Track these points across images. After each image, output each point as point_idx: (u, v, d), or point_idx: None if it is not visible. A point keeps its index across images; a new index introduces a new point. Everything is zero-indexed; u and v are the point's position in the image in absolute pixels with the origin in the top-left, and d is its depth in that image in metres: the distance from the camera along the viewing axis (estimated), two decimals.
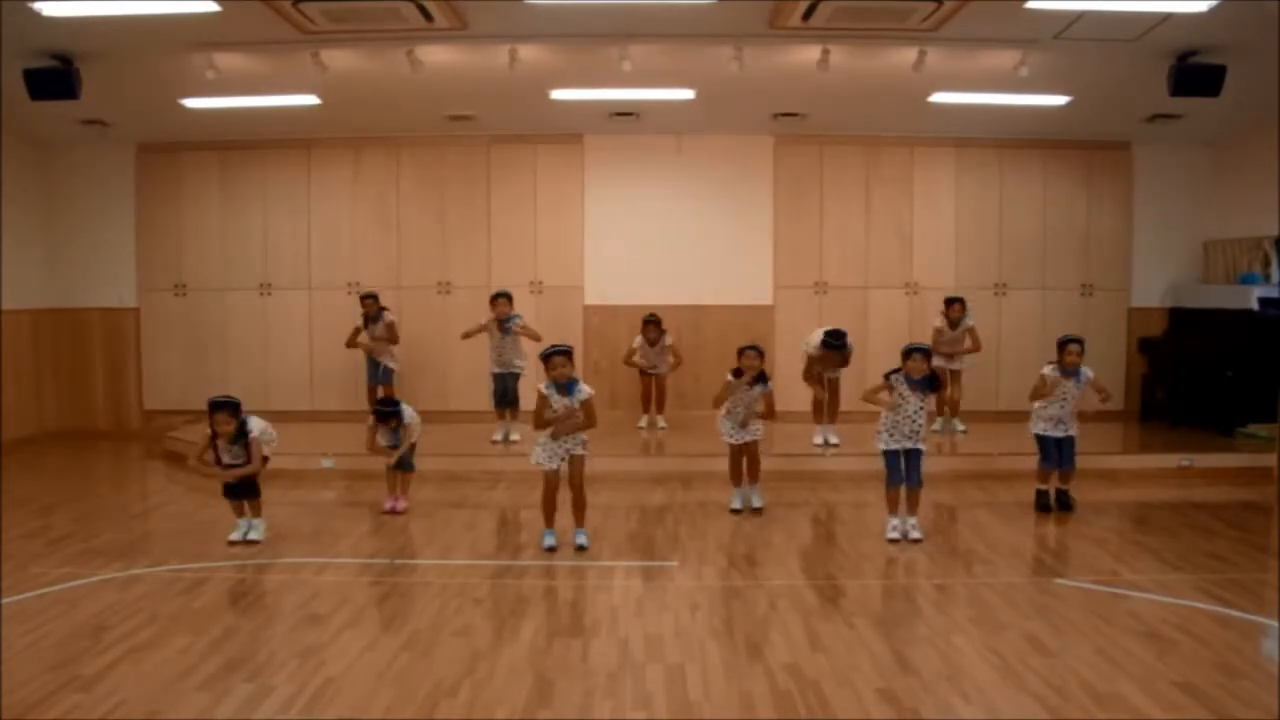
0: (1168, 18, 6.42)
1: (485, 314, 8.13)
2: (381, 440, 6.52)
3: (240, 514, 5.84)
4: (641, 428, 8.98)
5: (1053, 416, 6.44)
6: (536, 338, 8.05)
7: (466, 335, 8.25)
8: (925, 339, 8.20)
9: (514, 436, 8.26)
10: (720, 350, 9.57)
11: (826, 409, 8.03)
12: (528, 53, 7.24)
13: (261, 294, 9.88)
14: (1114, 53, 7.18)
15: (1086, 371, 6.38)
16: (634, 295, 9.71)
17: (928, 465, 6.05)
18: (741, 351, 6.26)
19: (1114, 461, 7.85)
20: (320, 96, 8.16)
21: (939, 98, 8.29)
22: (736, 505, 6.57)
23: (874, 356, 9.36)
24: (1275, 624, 4.43)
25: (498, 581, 5.13)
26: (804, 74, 7.53)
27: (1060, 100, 8.27)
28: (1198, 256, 9.87)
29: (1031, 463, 6.71)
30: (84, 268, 9.87)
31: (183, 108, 8.34)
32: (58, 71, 7.06)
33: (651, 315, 8.76)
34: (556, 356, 5.45)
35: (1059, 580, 5.11)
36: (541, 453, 5.61)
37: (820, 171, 9.77)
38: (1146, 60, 7.19)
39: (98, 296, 9.92)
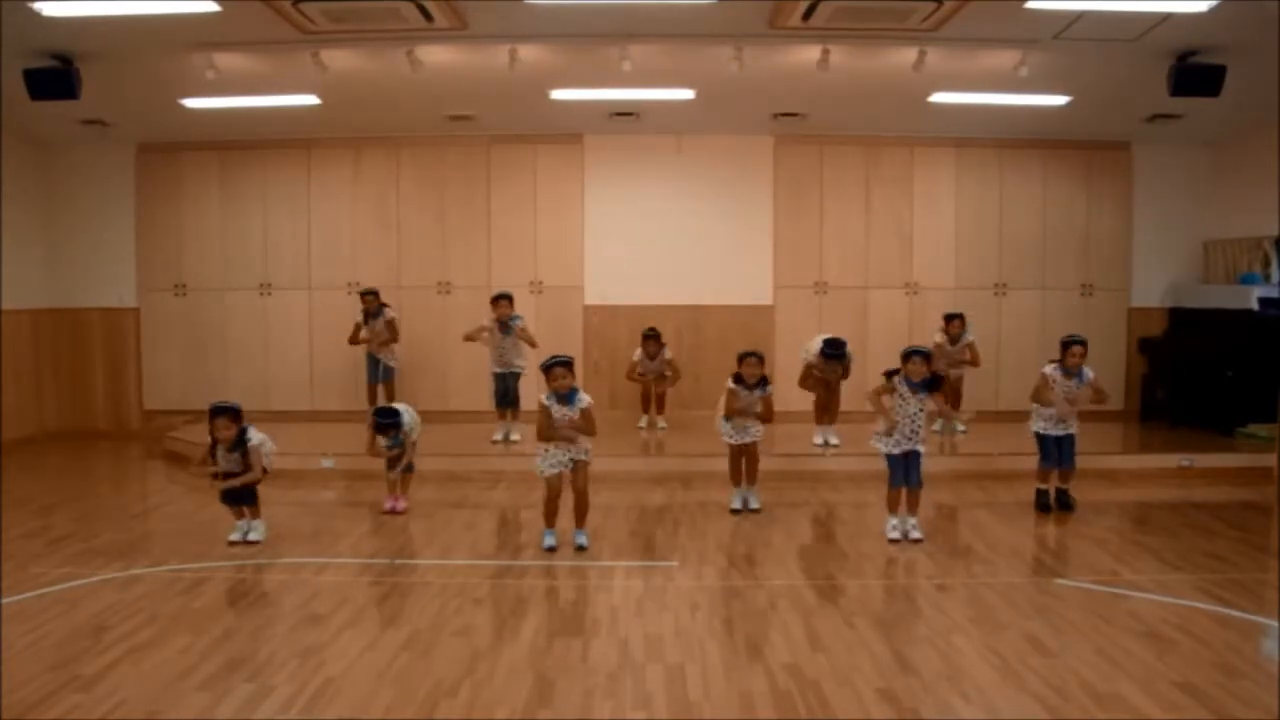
0: (1168, 18, 6.42)
1: (486, 314, 8.12)
2: (383, 443, 6.51)
3: (240, 516, 5.84)
4: (641, 428, 8.98)
5: (1052, 415, 6.45)
6: (533, 344, 8.08)
7: (468, 337, 8.24)
8: (923, 343, 8.19)
9: (514, 436, 8.26)
10: (720, 350, 9.57)
11: (827, 410, 8.02)
12: (528, 53, 7.24)
13: (261, 294, 9.89)
14: (1114, 53, 7.18)
15: (1088, 372, 6.38)
16: (634, 295, 9.73)
17: (927, 465, 6.05)
18: (743, 359, 6.26)
19: (1114, 461, 7.86)
20: (320, 96, 8.16)
21: (939, 98, 8.29)
22: (736, 505, 6.58)
23: (874, 356, 9.34)
24: (1275, 624, 4.43)
25: (498, 581, 5.13)
26: (804, 74, 7.53)
27: (1060, 100, 8.27)
28: (1198, 256, 9.87)
29: (1032, 463, 6.71)
30: (84, 268, 9.87)
31: (183, 108, 8.34)
32: (58, 71, 7.06)
33: (651, 330, 8.73)
34: (557, 368, 5.45)
35: (1059, 580, 5.11)
36: (544, 461, 5.62)
37: (820, 171, 9.77)
38: (1146, 60, 7.19)
39: (98, 296, 9.92)
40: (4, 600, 4.69)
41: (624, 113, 8.96)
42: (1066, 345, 6.36)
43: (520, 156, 9.77)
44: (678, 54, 7.43)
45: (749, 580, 5.14)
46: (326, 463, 7.80)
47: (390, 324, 8.87)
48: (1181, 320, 9.61)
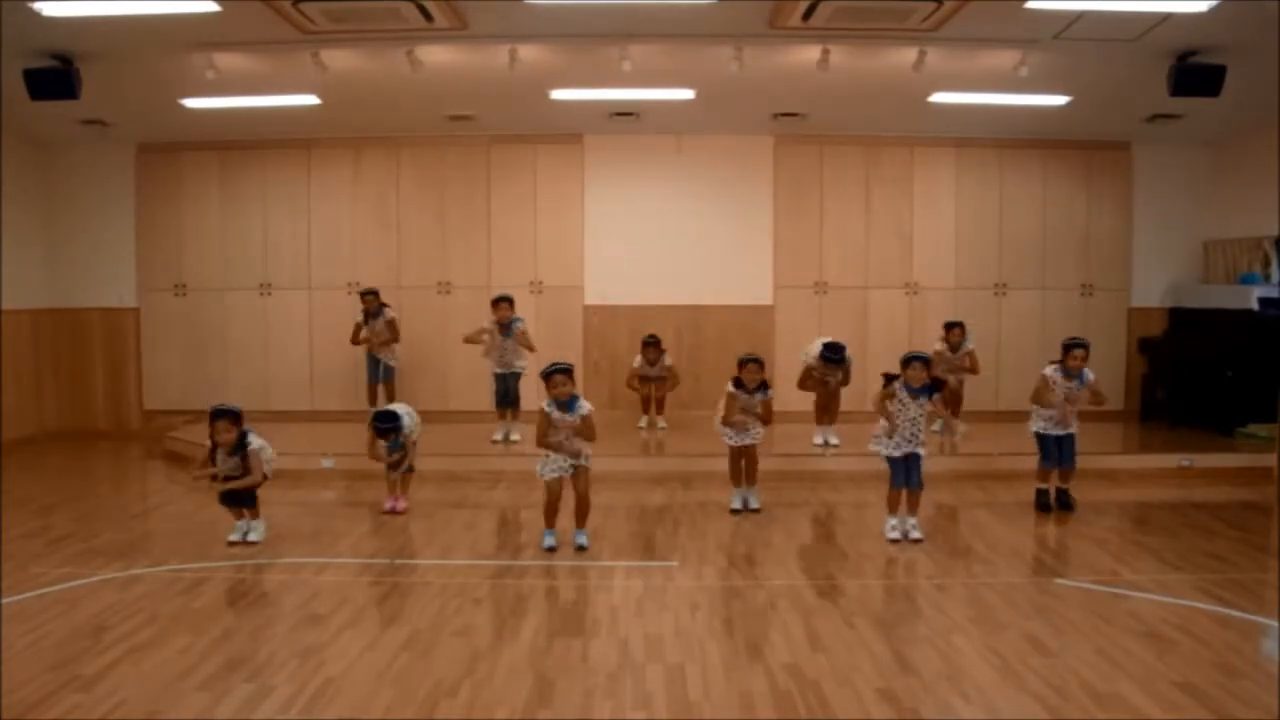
0: (1168, 18, 6.42)
1: (486, 316, 8.12)
2: (383, 446, 6.50)
3: (239, 516, 5.84)
4: (641, 428, 8.98)
5: (1052, 416, 6.45)
6: (531, 349, 8.10)
7: (469, 339, 8.23)
8: (923, 343, 8.19)
9: (514, 436, 8.26)
10: (720, 350, 9.59)
11: (827, 409, 8.02)
12: (528, 53, 7.24)
13: (261, 294, 9.89)
14: (1114, 53, 7.18)
15: (1088, 373, 6.38)
16: (634, 295, 9.73)
17: (928, 465, 6.04)
18: (744, 365, 6.26)
19: (1114, 461, 7.86)
20: (320, 96, 8.16)
21: (939, 98, 8.29)
22: (736, 505, 6.58)
23: (874, 357, 9.35)
24: (1275, 624, 4.43)
25: (498, 581, 5.13)
26: (804, 74, 7.53)
27: (1060, 100, 8.27)
28: (1198, 256, 9.87)
29: (1031, 462, 6.71)
30: (84, 268, 9.87)
31: (183, 108, 8.34)
32: (58, 71, 7.06)
33: (651, 337, 8.74)
34: (557, 375, 5.46)
35: (1059, 580, 5.11)
36: (545, 466, 5.63)
37: (820, 171, 9.77)
38: (1146, 60, 7.19)
39: (98, 296, 9.92)
40: (4, 600, 4.69)
41: (624, 113, 8.96)
42: (1069, 348, 6.34)
43: (520, 156, 9.77)
44: (678, 54, 7.43)
45: (749, 580, 5.14)
46: (326, 463, 7.81)
47: (391, 324, 8.87)
48: (1181, 320, 9.61)
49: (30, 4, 6.02)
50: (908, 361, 5.76)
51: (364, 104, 8.60)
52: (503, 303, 8.03)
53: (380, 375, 8.97)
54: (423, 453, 6.89)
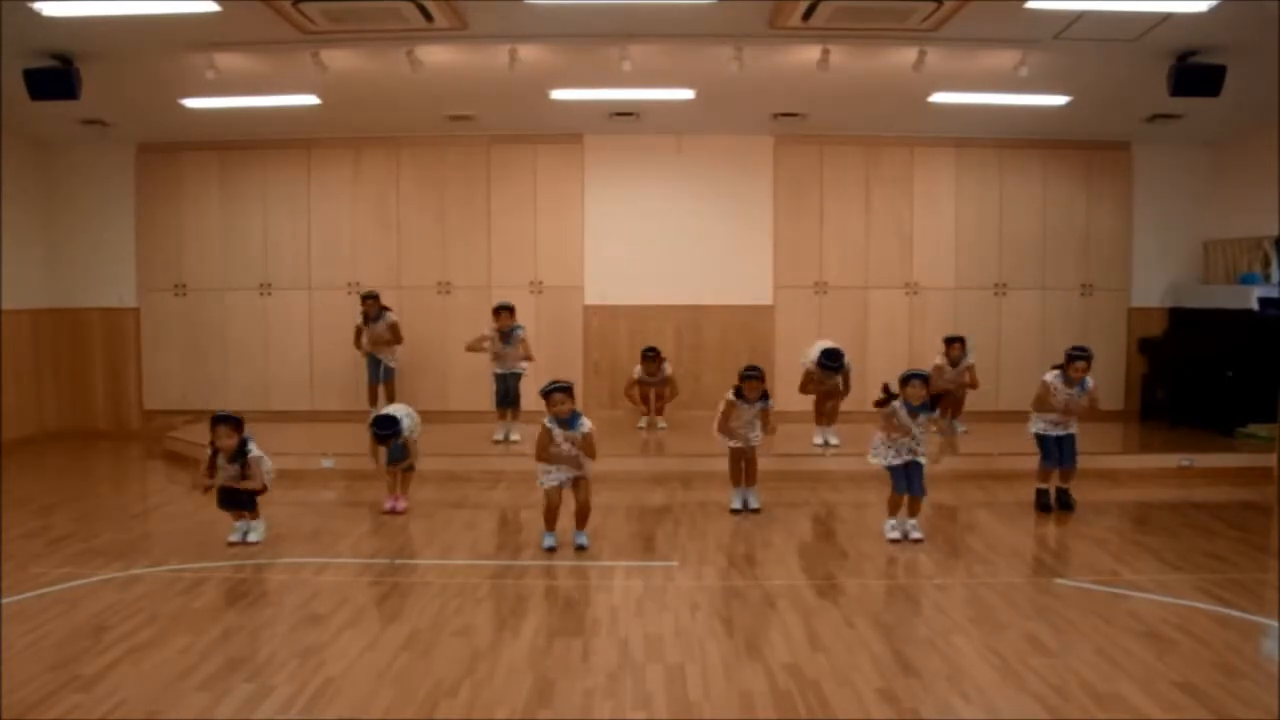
0: (1168, 18, 6.42)
1: (487, 322, 8.16)
2: (383, 453, 6.51)
3: (238, 517, 5.84)
4: (641, 428, 8.98)
5: (1053, 418, 6.46)
6: (530, 358, 8.17)
7: (471, 348, 8.24)
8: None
9: (514, 436, 8.26)
10: (720, 351, 9.61)
11: (827, 411, 8.03)
12: (528, 53, 7.24)
13: (261, 294, 9.88)
14: (1114, 53, 7.18)
15: (1088, 380, 6.40)
16: (634, 295, 9.73)
17: (928, 468, 6.03)
18: (745, 379, 6.27)
19: (1114, 461, 7.86)
20: (320, 96, 8.16)
21: (939, 98, 8.29)
22: (736, 505, 6.58)
23: (874, 357, 9.41)
24: (1275, 624, 4.44)
25: (498, 581, 5.13)
26: (804, 74, 7.53)
27: (1060, 100, 8.27)
28: (1198, 256, 9.87)
29: (1031, 463, 6.71)
30: (84, 268, 9.87)
31: (183, 108, 8.34)
32: (58, 71, 7.05)
33: (651, 349, 8.75)
34: (556, 393, 5.47)
35: (1059, 580, 5.11)
36: (545, 475, 5.64)
37: (820, 171, 9.77)
38: (1146, 60, 7.18)
39: (98, 296, 9.92)
40: (4, 600, 4.69)
41: (624, 113, 8.96)
42: (1072, 359, 6.35)
43: (520, 156, 9.77)
44: (678, 54, 7.43)
45: (749, 580, 5.14)
46: (326, 463, 7.81)
47: (393, 327, 8.89)
48: (1181, 320, 9.61)
49: (30, 4, 6.01)
50: (907, 380, 5.76)
51: (364, 104, 8.60)
52: (504, 311, 8.06)
53: (380, 376, 8.98)
54: (423, 453, 6.89)
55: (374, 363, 8.98)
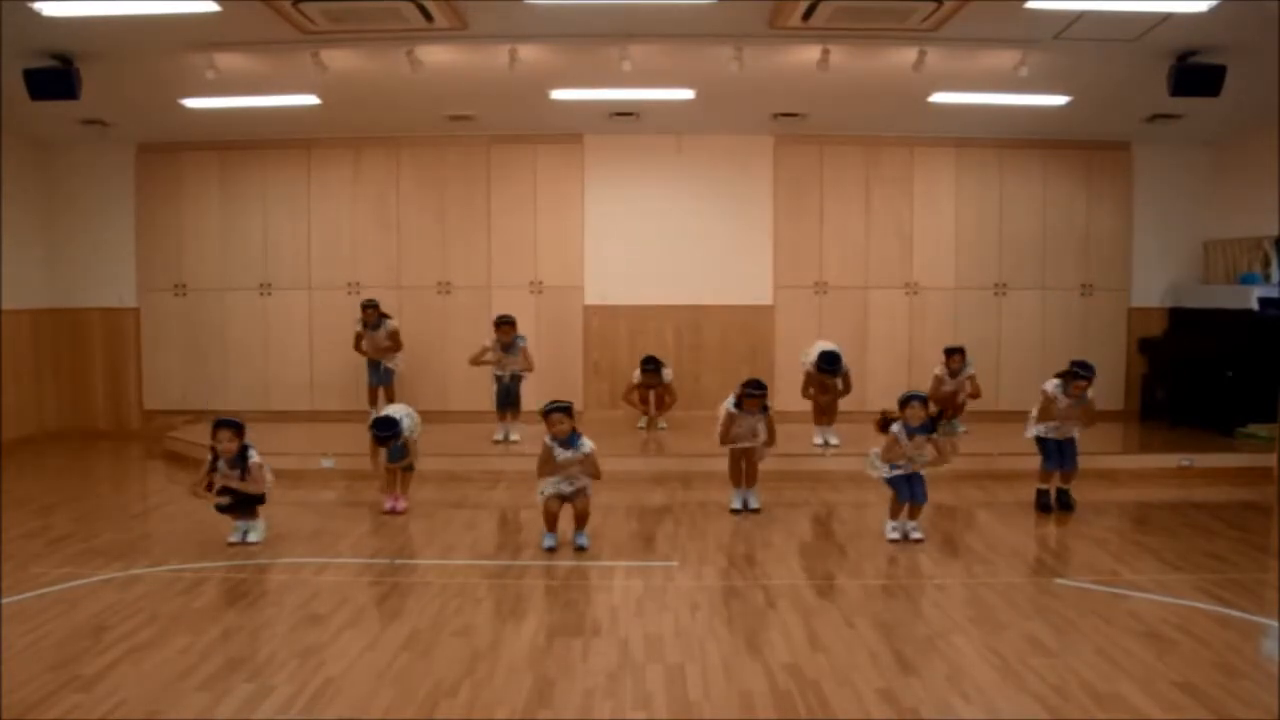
0: (1168, 18, 6.42)
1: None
2: (384, 455, 6.50)
3: (239, 517, 5.83)
4: (641, 428, 8.98)
5: (1052, 425, 6.49)
6: (530, 368, 8.24)
7: (474, 361, 8.26)
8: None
9: (514, 437, 8.27)
10: (721, 351, 9.60)
11: (827, 411, 8.03)
12: (528, 53, 7.24)
13: (261, 294, 9.88)
14: (1114, 53, 7.18)
15: (1088, 394, 6.43)
16: (634, 295, 9.73)
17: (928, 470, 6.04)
18: (746, 395, 6.27)
19: (1114, 461, 7.86)
20: (320, 96, 8.16)
21: (939, 98, 8.29)
22: (736, 505, 6.58)
23: (874, 356, 9.41)
24: (1275, 624, 4.44)
25: (498, 581, 5.13)
26: (804, 74, 7.53)
27: (1060, 100, 8.27)
28: (1198, 256, 9.87)
29: (1032, 462, 6.72)
30: (84, 268, 9.87)
31: (183, 108, 8.33)
32: (58, 71, 7.05)
33: (650, 360, 8.74)
34: (555, 414, 5.49)
35: (1059, 580, 5.11)
36: (544, 486, 5.64)
37: (820, 171, 9.77)
38: (1146, 60, 7.18)
39: (98, 296, 9.92)
40: (4, 600, 4.69)
41: (624, 113, 8.96)
42: (1075, 376, 6.36)
43: (520, 156, 9.77)
44: (678, 54, 7.43)
45: (749, 580, 5.14)
46: (326, 463, 7.81)
47: (393, 335, 8.89)
48: (1181, 320, 9.61)
49: (30, 4, 6.01)
50: (906, 401, 5.76)
51: (364, 104, 8.59)
52: (505, 325, 8.09)
53: (380, 378, 8.98)
54: (423, 453, 6.89)
55: (374, 364, 8.98)
